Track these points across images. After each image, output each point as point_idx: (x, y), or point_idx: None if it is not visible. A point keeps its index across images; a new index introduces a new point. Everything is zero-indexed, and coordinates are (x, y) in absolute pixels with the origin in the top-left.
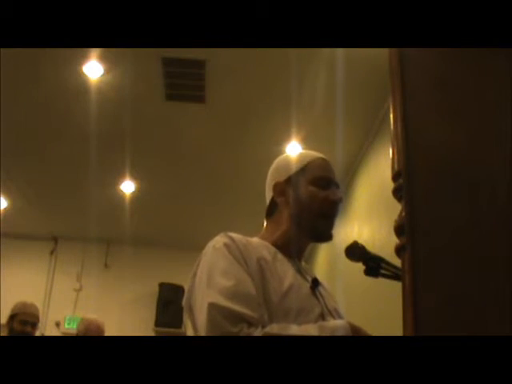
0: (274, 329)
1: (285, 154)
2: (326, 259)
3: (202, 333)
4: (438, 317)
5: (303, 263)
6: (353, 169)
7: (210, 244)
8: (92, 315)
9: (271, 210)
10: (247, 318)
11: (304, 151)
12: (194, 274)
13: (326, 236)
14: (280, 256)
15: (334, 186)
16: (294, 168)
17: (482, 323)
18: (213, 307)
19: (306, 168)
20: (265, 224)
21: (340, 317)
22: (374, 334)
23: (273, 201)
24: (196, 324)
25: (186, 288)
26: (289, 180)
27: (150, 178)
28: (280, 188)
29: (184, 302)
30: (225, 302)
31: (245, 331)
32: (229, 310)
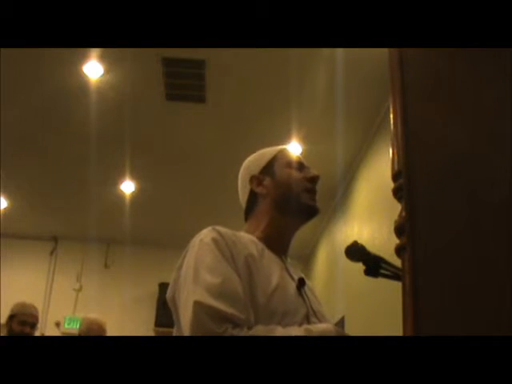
0: (260, 331)
1: (249, 156)
2: (326, 259)
3: (186, 330)
4: (438, 317)
5: (289, 259)
6: (353, 169)
7: (197, 237)
8: (94, 314)
9: (251, 206)
10: (233, 319)
11: (265, 149)
12: (180, 267)
13: (312, 210)
14: (267, 252)
15: (307, 168)
16: (265, 159)
17: (482, 323)
18: (198, 305)
19: (276, 157)
20: (246, 223)
21: (324, 319)
22: (373, 334)
23: (251, 194)
24: (179, 320)
25: (171, 280)
26: (263, 170)
27: (150, 178)
28: (257, 179)
29: (168, 295)
30: (211, 300)
31: (229, 332)
32: (214, 309)
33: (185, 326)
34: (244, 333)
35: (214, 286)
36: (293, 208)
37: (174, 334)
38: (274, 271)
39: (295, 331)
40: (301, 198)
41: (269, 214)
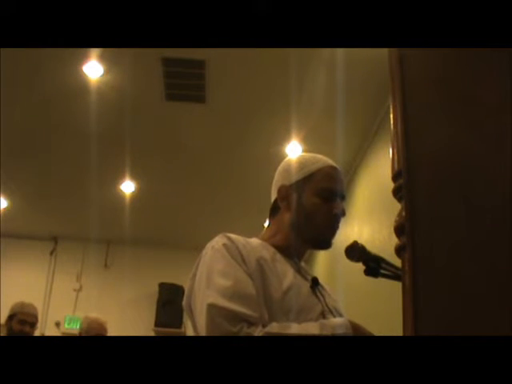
0: (275, 328)
1: (296, 155)
2: (326, 259)
3: (203, 334)
4: (438, 317)
5: (302, 263)
6: (353, 169)
7: (209, 245)
8: (94, 314)
9: (274, 211)
10: (247, 318)
11: (315, 156)
12: (194, 275)
13: (325, 245)
14: (279, 256)
15: (339, 197)
16: (301, 174)
17: (481, 323)
18: (212, 308)
19: (313, 176)
20: (267, 223)
21: (340, 315)
22: (374, 334)
23: (276, 203)
24: (196, 325)
25: (186, 289)
26: (295, 184)
27: (150, 178)
28: (284, 192)
29: (184, 303)
30: (224, 302)
31: (245, 331)
32: (228, 310)
33: (201, 329)
34: (259, 331)
35: (227, 288)
36: (307, 237)
37: None
38: (286, 272)
39: (310, 326)
40: (316, 234)
41: (285, 229)
